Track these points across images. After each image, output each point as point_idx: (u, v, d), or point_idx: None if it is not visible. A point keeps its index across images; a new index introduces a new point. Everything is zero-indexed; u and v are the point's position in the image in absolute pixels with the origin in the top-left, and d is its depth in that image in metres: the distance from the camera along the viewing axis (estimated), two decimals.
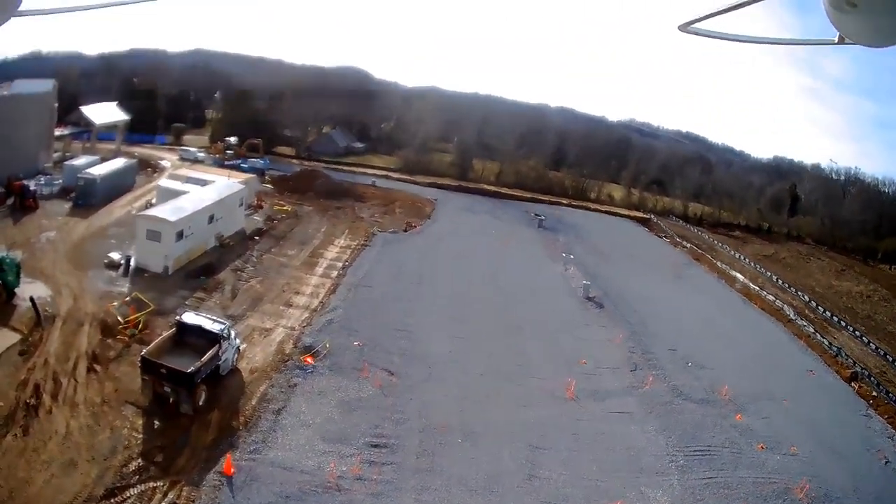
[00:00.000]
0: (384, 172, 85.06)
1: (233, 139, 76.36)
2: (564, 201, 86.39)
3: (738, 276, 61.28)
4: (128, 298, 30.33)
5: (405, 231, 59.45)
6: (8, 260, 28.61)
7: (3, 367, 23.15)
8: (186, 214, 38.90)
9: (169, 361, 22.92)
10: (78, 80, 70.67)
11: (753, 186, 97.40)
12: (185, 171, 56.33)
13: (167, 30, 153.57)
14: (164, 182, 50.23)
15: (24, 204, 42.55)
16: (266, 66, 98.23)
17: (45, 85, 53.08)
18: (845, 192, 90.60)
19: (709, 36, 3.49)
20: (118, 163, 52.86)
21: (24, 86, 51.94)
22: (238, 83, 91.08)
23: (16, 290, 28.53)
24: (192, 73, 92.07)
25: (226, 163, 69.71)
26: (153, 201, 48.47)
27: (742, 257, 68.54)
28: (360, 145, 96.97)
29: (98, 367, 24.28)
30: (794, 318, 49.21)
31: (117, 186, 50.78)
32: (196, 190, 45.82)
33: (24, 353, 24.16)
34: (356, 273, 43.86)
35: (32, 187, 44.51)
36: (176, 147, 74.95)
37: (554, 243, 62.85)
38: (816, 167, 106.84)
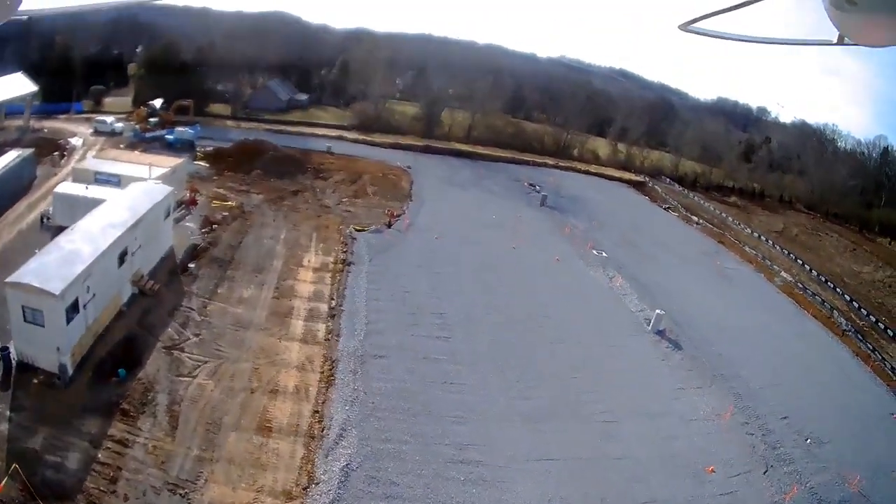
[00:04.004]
0: (338, 132, 66.94)
1: (157, 102, 57.21)
2: (550, 162, 71.47)
3: (774, 266, 51.59)
4: None
5: (389, 226, 43.27)
6: None
7: None
8: (81, 269, 21.67)
9: None
10: None
11: (728, 139, 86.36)
12: (94, 164, 38.93)
13: None
14: (62, 187, 33.30)
15: None
16: (192, 16, 76.52)
17: None
18: (823, 152, 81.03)
19: (709, 35, 3.27)
20: (5, 160, 35.59)
21: None
22: (163, 35, 69.89)
23: None
24: (115, 27, 70.03)
25: (147, 135, 51.57)
26: (50, 212, 32.16)
27: (760, 236, 59.58)
28: (303, 97, 77.37)
29: None
30: (846, 328, 41.44)
31: (8, 193, 34.28)
32: (104, 201, 28.38)
33: None
34: (352, 325, 28.32)
35: None
36: (94, 115, 55.36)
37: (573, 232, 48.30)
38: (763, 110, 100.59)
